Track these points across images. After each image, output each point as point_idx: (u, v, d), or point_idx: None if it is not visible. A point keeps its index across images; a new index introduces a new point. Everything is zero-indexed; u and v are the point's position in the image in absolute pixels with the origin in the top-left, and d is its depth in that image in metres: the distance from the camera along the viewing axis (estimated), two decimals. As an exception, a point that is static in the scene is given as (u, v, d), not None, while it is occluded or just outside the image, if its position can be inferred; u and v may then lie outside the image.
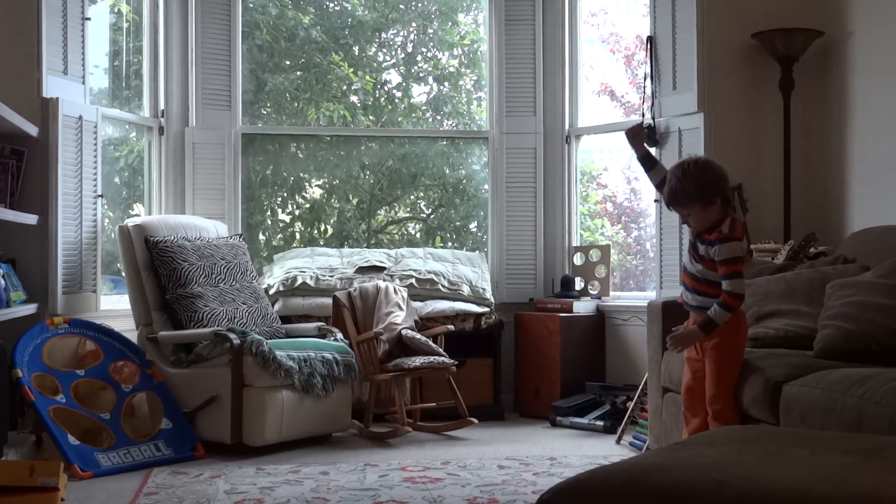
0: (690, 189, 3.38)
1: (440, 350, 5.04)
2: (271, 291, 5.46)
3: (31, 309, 4.47)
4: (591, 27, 6.52)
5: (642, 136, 3.76)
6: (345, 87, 6.59)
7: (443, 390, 5.09)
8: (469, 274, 5.76)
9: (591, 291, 5.84)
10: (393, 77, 6.78)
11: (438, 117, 6.72)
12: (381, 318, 5.13)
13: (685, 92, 5.26)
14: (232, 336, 4.50)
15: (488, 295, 5.69)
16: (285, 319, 5.30)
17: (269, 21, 6.41)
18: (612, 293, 5.83)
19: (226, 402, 4.47)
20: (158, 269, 4.86)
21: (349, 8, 6.69)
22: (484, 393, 5.49)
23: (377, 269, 5.66)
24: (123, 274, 5.06)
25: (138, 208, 5.92)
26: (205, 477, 3.99)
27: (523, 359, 5.69)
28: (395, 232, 6.80)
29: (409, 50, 6.83)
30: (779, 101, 5.16)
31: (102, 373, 4.44)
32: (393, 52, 6.84)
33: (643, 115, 5.48)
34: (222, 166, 5.84)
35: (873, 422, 2.78)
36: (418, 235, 6.69)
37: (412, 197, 6.77)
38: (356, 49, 6.68)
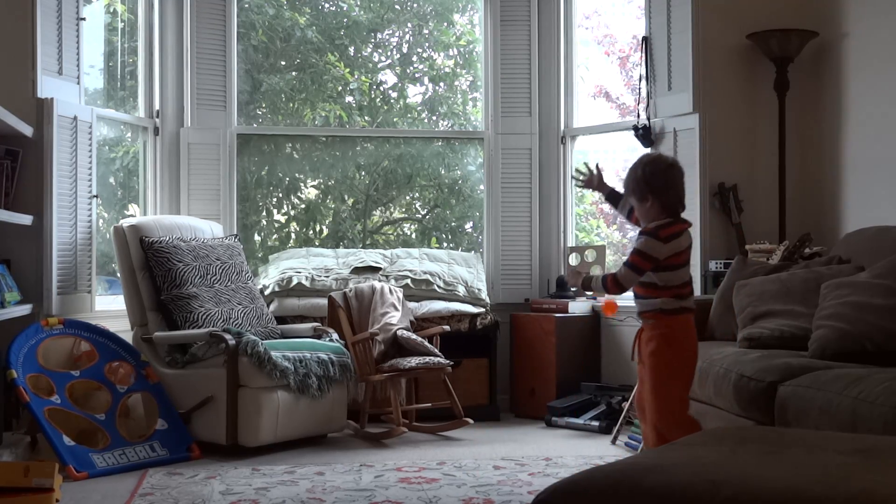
0: (629, 182, 3.37)
1: (436, 350, 5.04)
2: (267, 292, 5.45)
3: (25, 309, 4.46)
4: (585, 30, 6.53)
5: (596, 181, 3.72)
6: (340, 88, 6.58)
7: (438, 391, 5.09)
8: (464, 274, 5.76)
9: (587, 292, 5.84)
10: (388, 77, 6.78)
11: (434, 118, 6.72)
12: (376, 319, 5.13)
13: (680, 92, 5.27)
14: (227, 337, 4.50)
15: (484, 295, 5.69)
16: (281, 320, 5.30)
17: (265, 21, 6.41)
18: (607, 294, 5.82)
19: (221, 403, 4.46)
20: (153, 269, 4.86)
21: (345, 8, 6.69)
22: (479, 393, 5.49)
23: (373, 270, 5.66)
24: (118, 274, 5.05)
25: (133, 209, 5.92)
26: (200, 478, 3.99)
27: (519, 359, 5.69)
28: (390, 232, 6.80)
29: (405, 50, 6.83)
30: (774, 102, 5.17)
31: (97, 373, 4.44)
32: (388, 53, 6.84)
33: (638, 116, 5.48)
34: (217, 167, 5.83)
35: (868, 422, 2.78)
36: (414, 236, 6.69)
37: (408, 197, 6.77)
38: (352, 49, 6.68)
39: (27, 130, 4.55)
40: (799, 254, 4.52)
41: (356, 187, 6.59)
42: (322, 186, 6.59)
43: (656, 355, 3.29)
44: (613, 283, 3.30)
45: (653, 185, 3.30)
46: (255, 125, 6.44)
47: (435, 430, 5.03)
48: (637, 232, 3.40)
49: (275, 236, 6.52)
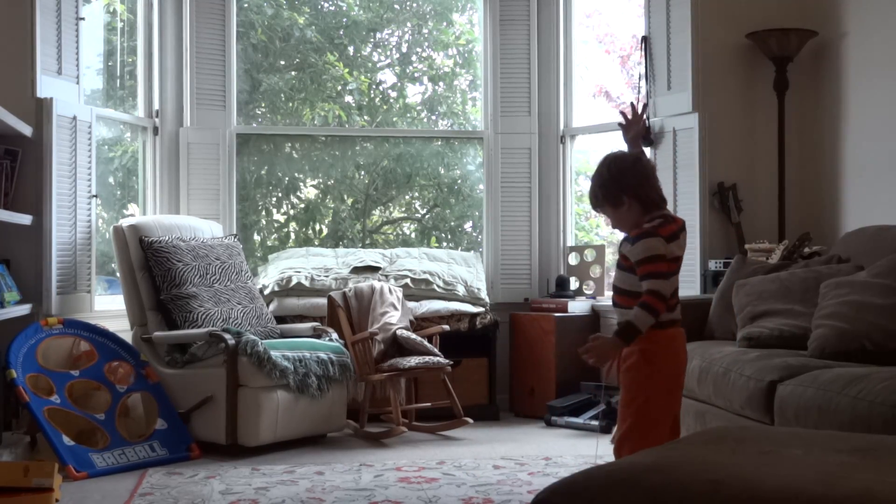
0: (597, 189, 2.99)
1: (435, 350, 5.04)
2: (266, 292, 5.45)
3: (25, 309, 4.46)
4: (586, 28, 6.53)
5: (639, 132, 3.20)
6: (340, 87, 6.58)
7: (438, 390, 5.09)
8: (464, 274, 5.76)
9: (586, 291, 5.84)
10: (388, 77, 6.77)
11: (433, 117, 6.72)
12: (376, 319, 5.13)
13: (680, 92, 5.27)
14: (227, 336, 4.50)
15: (483, 295, 5.69)
16: (280, 320, 5.30)
17: (264, 21, 6.41)
18: (606, 293, 5.83)
19: (221, 403, 4.46)
20: (153, 269, 4.86)
21: (344, 8, 6.69)
22: (479, 393, 5.49)
23: (372, 270, 5.65)
24: (118, 274, 5.05)
25: (133, 208, 5.91)
26: (200, 477, 3.99)
27: (518, 359, 5.69)
28: (389, 232, 6.80)
29: (404, 50, 6.83)
30: (773, 101, 5.17)
31: (97, 373, 4.44)
32: (388, 53, 6.84)
33: (638, 115, 5.48)
34: (217, 166, 5.83)
35: (867, 421, 2.78)
36: (413, 235, 6.69)
37: (407, 197, 6.77)
38: (351, 49, 6.68)
39: (26, 130, 4.55)
40: (798, 253, 4.52)
41: (355, 187, 6.59)
42: (321, 186, 6.59)
43: (633, 371, 2.91)
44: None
45: (624, 184, 2.93)
46: (254, 125, 6.43)
47: (434, 430, 5.03)
48: (623, 240, 2.99)
49: (274, 236, 6.52)
